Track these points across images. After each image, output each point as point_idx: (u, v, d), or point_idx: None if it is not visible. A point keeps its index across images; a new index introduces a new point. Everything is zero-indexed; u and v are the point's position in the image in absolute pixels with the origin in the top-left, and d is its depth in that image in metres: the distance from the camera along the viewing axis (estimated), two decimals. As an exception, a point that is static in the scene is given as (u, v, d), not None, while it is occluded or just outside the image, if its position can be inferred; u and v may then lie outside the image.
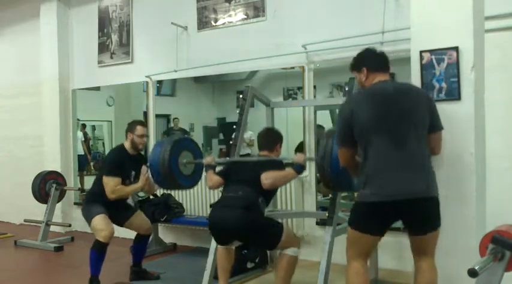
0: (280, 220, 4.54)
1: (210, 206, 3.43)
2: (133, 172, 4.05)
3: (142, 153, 4.28)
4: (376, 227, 2.55)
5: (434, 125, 2.58)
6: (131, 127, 4.06)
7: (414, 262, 2.65)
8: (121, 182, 3.93)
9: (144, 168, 3.97)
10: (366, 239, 2.57)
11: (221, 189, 3.53)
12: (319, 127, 4.87)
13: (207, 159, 3.68)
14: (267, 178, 3.24)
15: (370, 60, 2.71)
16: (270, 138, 3.62)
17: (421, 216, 2.50)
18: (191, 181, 3.90)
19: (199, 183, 5.27)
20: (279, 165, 3.41)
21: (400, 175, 2.44)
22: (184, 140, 3.91)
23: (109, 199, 3.88)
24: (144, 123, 4.25)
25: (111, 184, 3.87)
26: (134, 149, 4.06)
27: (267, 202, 3.35)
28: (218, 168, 3.70)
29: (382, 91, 2.58)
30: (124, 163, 3.99)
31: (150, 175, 3.85)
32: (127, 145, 4.06)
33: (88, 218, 3.95)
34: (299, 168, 3.34)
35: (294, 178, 3.45)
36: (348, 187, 3.10)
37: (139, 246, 4.23)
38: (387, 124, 2.49)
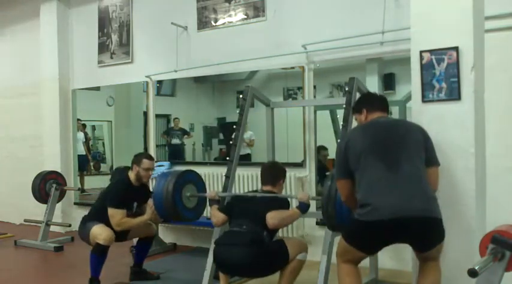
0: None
1: (215, 243, 3.41)
2: (135, 204, 4.04)
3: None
4: (370, 247, 2.58)
5: (431, 160, 2.59)
6: (138, 159, 4.04)
7: (419, 264, 2.67)
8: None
9: (150, 201, 3.95)
10: (359, 254, 2.60)
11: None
12: (321, 149, 4.85)
13: (210, 194, 3.71)
14: (272, 218, 3.19)
15: (371, 102, 2.85)
16: (274, 173, 3.59)
17: (420, 236, 2.46)
18: (194, 213, 3.90)
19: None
20: (283, 204, 3.39)
21: (395, 195, 2.41)
22: (188, 173, 3.92)
23: (109, 224, 3.86)
24: (151, 157, 4.20)
25: (118, 217, 3.85)
26: (138, 181, 4.06)
27: (271, 237, 3.30)
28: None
29: (376, 122, 2.71)
30: (128, 195, 3.99)
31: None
32: (132, 176, 4.05)
33: (86, 233, 3.92)
34: (304, 207, 3.31)
35: (297, 218, 3.43)
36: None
37: (143, 246, 4.23)
38: (382, 149, 2.53)
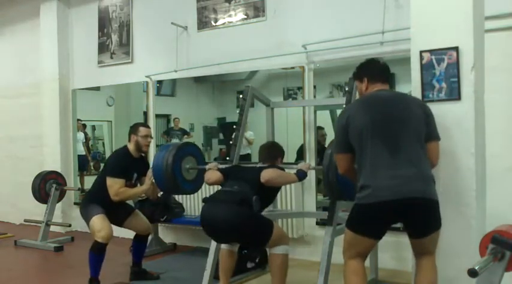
0: (280, 221, 4.57)
1: (203, 200, 3.31)
2: (135, 175, 4.04)
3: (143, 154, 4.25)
4: (374, 229, 2.55)
5: (431, 134, 2.59)
6: (134, 129, 4.05)
7: (415, 261, 2.66)
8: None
9: (150, 171, 3.96)
10: (364, 241, 2.58)
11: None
12: (319, 128, 4.86)
13: (210, 166, 3.70)
14: (266, 172, 3.23)
15: (372, 70, 2.78)
16: (272, 151, 3.62)
17: (420, 218, 2.48)
18: (194, 186, 3.92)
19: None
20: (280, 169, 3.42)
21: (395, 176, 2.43)
22: (188, 145, 3.93)
23: (109, 200, 3.87)
24: (147, 125, 4.22)
25: (116, 187, 3.85)
26: (138, 151, 4.05)
27: (263, 204, 3.29)
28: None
29: (377, 97, 2.66)
30: (127, 166, 3.98)
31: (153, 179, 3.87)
32: (131, 147, 4.04)
33: (87, 219, 3.94)
34: (301, 175, 3.35)
35: (293, 181, 3.45)
36: (351, 197, 3.08)
37: (139, 246, 4.23)
38: (382, 128, 2.52)
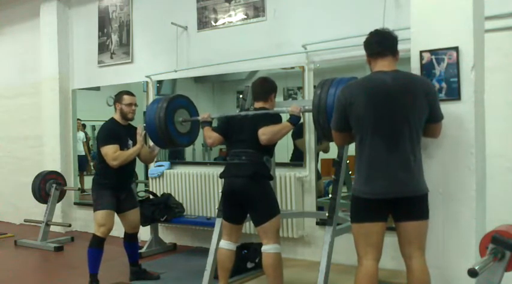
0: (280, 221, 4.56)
1: (220, 176, 3.48)
2: (130, 142, 4.00)
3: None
4: (374, 216, 2.59)
5: (435, 116, 2.59)
6: (118, 97, 4.02)
7: (405, 262, 2.65)
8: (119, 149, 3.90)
9: (140, 127, 3.94)
10: (369, 228, 2.58)
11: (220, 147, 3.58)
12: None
13: (203, 116, 3.69)
14: (264, 133, 3.25)
15: (370, 44, 2.70)
16: (265, 87, 3.57)
17: (409, 208, 2.56)
18: (189, 138, 3.91)
19: (199, 183, 5.31)
20: (275, 119, 3.39)
21: (391, 177, 2.51)
22: (179, 98, 3.88)
23: (115, 178, 3.87)
24: (131, 93, 4.14)
25: (111, 152, 3.83)
26: (124, 119, 4.02)
27: (271, 156, 3.43)
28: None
29: (379, 86, 2.56)
30: (118, 132, 3.95)
31: (150, 141, 3.86)
32: (117, 116, 4.02)
33: (95, 206, 3.94)
34: (295, 120, 3.34)
35: (290, 130, 3.43)
36: None
37: (131, 246, 4.21)
38: (382, 124, 2.53)
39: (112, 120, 4.05)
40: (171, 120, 3.69)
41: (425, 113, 2.56)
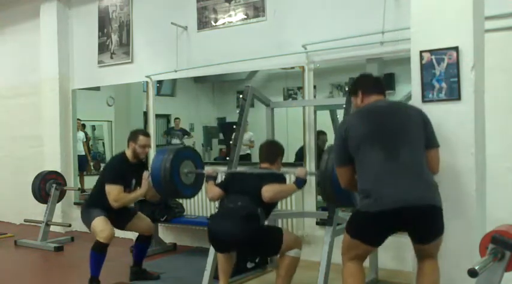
0: (280, 220, 4.57)
1: (209, 218, 3.41)
2: (133, 181, 4.03)
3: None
4: (375, 238, 2.55)
5: (430, 141, 2.58)
6: (134, 136, 4.01)
7: (417, 263, 2.66)
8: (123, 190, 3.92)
9: (145, 173, 3.94)
10: (363, 247, 2.58)
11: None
12: (320, 133, 4.85)
13: (208, 170, 3.70)
14: (267, 190, 3.21)
15: (366, 83, 2.80)
16: (272, 150, 3.60)
17: (423, 225, 2.47)
18: (192, 190, 3.90)
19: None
20: (280, 179, 3.40)
21: (397, 184, 2.42)
22: (186, 149, 3.92)
23: (109, 205, 3.86)
24: (147, 133, 4.19)
25: (114, 193, 3.85)
26: (135, 158, 4.04)
27: (267, 214, 3.31)
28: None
29: (374, 107, 2.66)
30: (125, 171, 3.97)
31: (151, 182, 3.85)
32: (128, 153, 4.03)
33: (88, 222, 3.94)
34: (300, 183, 3.32)
35: (294, 192, 3.45)
36: (348, 203, 3.08)
37: (142, 246, 4.23)
38: (381, 136, 2.52)
39: (123, 156, 4.05)
40: (176, 171, 3.70)
41: (422, 129, 2.55)
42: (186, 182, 3.80)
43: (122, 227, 4.12)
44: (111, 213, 3.91)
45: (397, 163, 2.45)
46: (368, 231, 2.52)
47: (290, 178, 3.66)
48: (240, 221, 3.11)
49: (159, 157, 3.72)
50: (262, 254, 3.28)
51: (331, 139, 4.73)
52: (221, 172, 3.74)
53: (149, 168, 3.91)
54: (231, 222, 3.15)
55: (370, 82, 2.81)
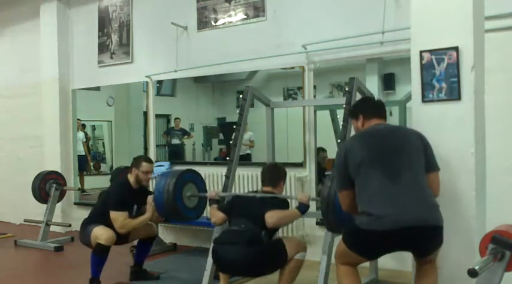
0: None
1: (213, 242, 3.43)
2: (135, 206, 4.04)
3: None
4: (372, 254, 2.58)
5: (430, 164, 2.58)
6: (137, 162, 4.03)
7: (415, 265, 2.67)
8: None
9: (150, 197, 3.95)
10: (359, 259, 2.60)
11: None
12: (320, 150, 4.85)
13: (210, 193, 3.71)
14: (271, 217, 3.20)
15: (367, 107, 2.82)
16: (275, 174, 3.58)
17: (423, 244, 2.47)
18: (195, 213, 3.91)
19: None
20: (284, 204, 3.40)
21: (397, 205, 2.40)
22: (188, 173, 3.93)
23: (110, 225, 3.85)
24: (151, 160, 4.21)
25: (120, 219, 3.85)
26: (138, 184, 4.05)
27: (270, 237, 3.30)
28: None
29: (374, 131, 2.68)
30: (128, 198, 3.98)
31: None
32: (131, 179, 4.04)
33: (87, 235, 3.91)
34: (303, 208, 3.31)
35: (297, 218, 3.45)
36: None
37: (144, 247, 4.23)
38: (381, 158, 2.52)
39: (126, 183, 4.06)
40: (179, 195, 3.71)
41: (422, 152, 2.55)
42: (189, 205, 3.81)
43: (126, 241, 4.12)
44: (110, 227, 3.89)
45: (398, 185, 2.44)
46: (365, 247, 2.52)
47: (292, 203, 3.65)
48: (245, 246, 3.13)
49: (162, 181, 3.73)
50: (271, 271, 3.30)
51: (330, 154, 4.76)
52: (224, 195, 3.74)
53: (153, 191, 3.93)
54: (236, 246, 3.16)
55: (370, 106, 2.84)
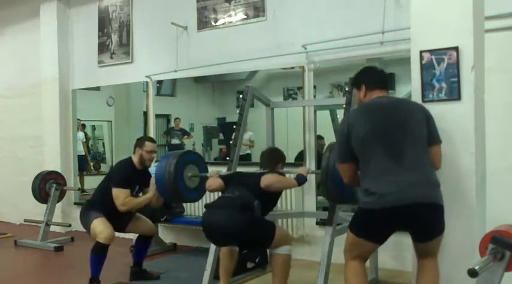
0: (280, 221, 4.57)
1: (205, 206, 3.42)
2: (137, 187, 4.05)
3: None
4: (378, 235, 2.55)
5: (432, 138, 2.58)
6: (140, 142, 4.06)
7: (417, 262, 2.66)
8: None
9: (153, 179, 3.95)
10: (366, 245, 2.57)
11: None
12: (318, 138, 4.85)
13: (211, 173, 3.70)
14: (266, 178, 3.24)
15: (369, 77, 2.79)
16: (273, 156, 3.61)
17: (424, 223, 2.48)
18: (197, 194, 3.91)
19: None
20: (281, 175, 3.43)
21: (399, 182, 2.42)
22: (189, 154, 3.94)
23: (110, 209, 3.86)
24: (153, 139, 4.22)
25: (122, 196, 3.85)
26: (141, 164, 4.06)
27: (265, 209, 3.31)
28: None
29: (377, 104, 2.65)
30: (132, 177, 3.99)
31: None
32: (135, 159, 4.05)
33: (87, 225, 3.93)
34: (301, 179, 3.35)
35: (293, 186, 3.46)
36: (351, 200, 3.06)
37: (142, 246, 4.23)
38: (383, 134, 2.51)
39: (130, 162, 4.07)
40: (180, 175, 3.70)
41: (424, 126, 2.55)
42: (190, 186, 3.81)
43: (122, 230, 4.11)
44: (110, 216, 3.90)
45: (400, 162, 2.45)
46: (372, 228, 2.52)
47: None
48: (234, 213, 3.10)
49: (163, 162, 3.73)
50: (252, 245, 3.28)
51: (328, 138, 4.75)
52: (224, 175, 3.73)
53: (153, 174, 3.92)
54: (224, 213, 3.15)
55: (373, 77, 2.80)
